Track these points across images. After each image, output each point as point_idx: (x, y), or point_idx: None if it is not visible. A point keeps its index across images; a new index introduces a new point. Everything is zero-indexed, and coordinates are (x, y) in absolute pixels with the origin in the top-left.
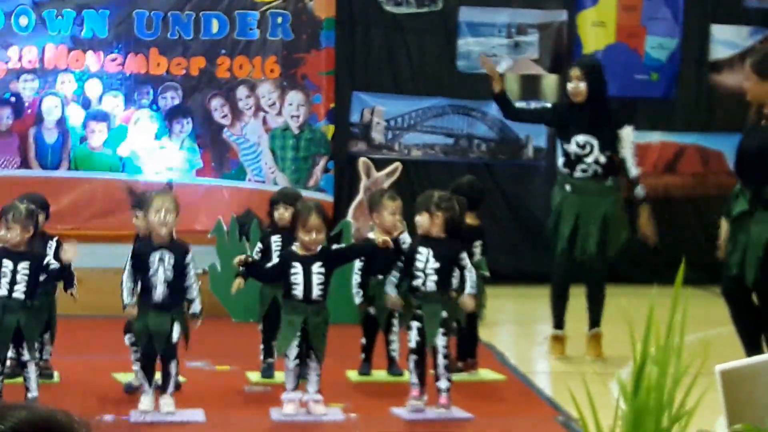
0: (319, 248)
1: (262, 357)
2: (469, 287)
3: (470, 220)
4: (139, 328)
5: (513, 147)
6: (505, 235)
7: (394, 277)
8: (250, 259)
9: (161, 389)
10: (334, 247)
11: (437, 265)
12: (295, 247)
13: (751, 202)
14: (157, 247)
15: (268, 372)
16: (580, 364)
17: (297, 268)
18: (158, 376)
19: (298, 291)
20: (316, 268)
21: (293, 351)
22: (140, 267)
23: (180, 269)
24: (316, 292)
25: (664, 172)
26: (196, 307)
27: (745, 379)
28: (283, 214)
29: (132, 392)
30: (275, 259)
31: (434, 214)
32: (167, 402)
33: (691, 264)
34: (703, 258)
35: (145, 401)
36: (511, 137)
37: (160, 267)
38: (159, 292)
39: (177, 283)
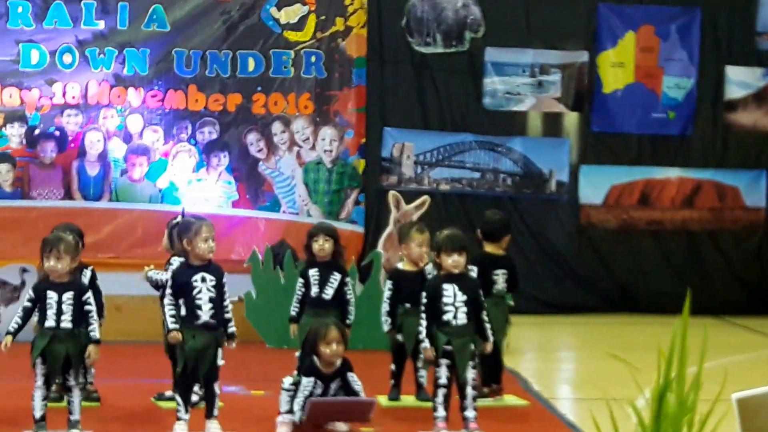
0: (338, 363)
1: None
2: (488, 334)
3: (493, 249)
4: (187, 350)
5: (537, 181)
6: (529, 265)
7: (422, 326)
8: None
9: (207, 414)
10: (350, 378)
11: (465, 297)
12: (317, 362)
13: None
14: (197, 269)
15: None
16: (603, 391)
17: (318, 386)
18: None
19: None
20: (335, 384)
21: (289, 378)
22: (181, 291)
23: (220, 289)
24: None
25: (682, 207)
26: (232, 327)
27: (762, 407)
28: (322, 245)
29: (160, 399)
30: (314, 289)
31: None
32: (214, 426)
33: (708, 294)
34: (719, 288)
35: (179, 429)
36: (535, 172)
37: (203, 287)
38: (205, 311)
39: (219, 303)
